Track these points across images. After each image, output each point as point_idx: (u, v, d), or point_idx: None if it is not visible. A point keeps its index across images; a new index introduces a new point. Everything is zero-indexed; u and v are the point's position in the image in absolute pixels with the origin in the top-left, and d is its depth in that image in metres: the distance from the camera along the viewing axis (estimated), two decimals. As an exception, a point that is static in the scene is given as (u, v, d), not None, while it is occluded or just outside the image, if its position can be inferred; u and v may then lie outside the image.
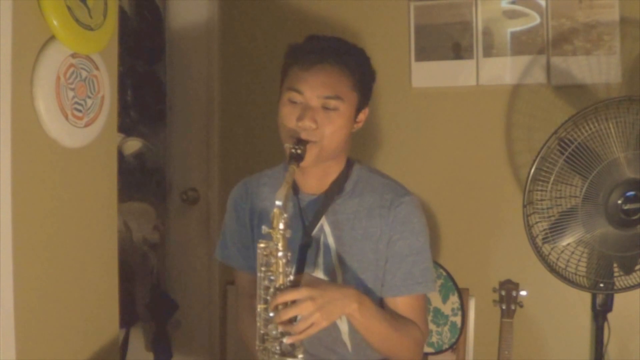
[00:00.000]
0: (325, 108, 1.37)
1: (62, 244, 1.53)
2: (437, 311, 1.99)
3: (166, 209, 2.60)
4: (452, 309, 2.00)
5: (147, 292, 2.54)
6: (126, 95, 2.50)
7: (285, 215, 1.26)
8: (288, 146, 1.35)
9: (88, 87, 1.56)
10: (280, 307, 1.25)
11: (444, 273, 2.00)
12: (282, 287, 1.27)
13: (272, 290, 1.28)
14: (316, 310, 1.24)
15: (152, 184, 2.62)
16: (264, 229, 1.26)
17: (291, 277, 1.28)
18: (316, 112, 1.36)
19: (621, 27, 2.06)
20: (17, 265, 1.37)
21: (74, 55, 1.50)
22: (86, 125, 1.56)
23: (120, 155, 2.46)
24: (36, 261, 1.45)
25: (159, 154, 2.63)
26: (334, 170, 1.48)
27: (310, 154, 1.36)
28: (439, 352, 2.00)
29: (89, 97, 1.56)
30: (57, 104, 1.45)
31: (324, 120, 1.37)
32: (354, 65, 1.40)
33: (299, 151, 1.33)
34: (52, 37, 1.44)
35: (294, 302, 1.24)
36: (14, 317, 1.36)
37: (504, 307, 2.02)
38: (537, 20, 2.15)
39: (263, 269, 1.29)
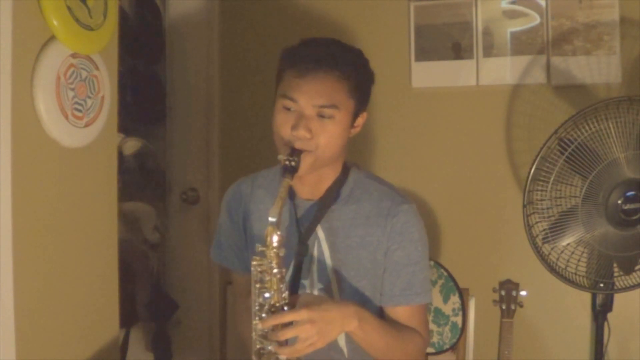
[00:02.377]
0: (321, 116, 1.33)
1: (62, 244, 1.53)
2: (438, 311, 1.99)
3: (166, 209, 2.60)
4: (453, 309, 1.99)
5: (147, 292, 2.54)
6: (126, 95, 2.50)
7: (279, 232, 1.24)
8: (282, 157, 1.31)
9: (88, 87, 1.56)
10: (278, 326, 1.24)
11: (445, 273, 2.00)
12: (277, 304, 1.26)
13: (267, 307, 1.26)
14: (315, 333, 1.22)
15: (152, 184, 2.61)
16: (258, 247, 1.25)
17: (286, 294, 1.27)
18: (311, 120, 1.33)
19: (621, 27, 2.06)
20: (17, 265, 1.37)
21: (74, 55, 1.50)
22: (86, 125, 1.56)
23: (120, 155, 2.46)
24: (36, 261, 1.45)
25: (159, 154, 2.63)
26: (329, 176, 1.44)
27: (305, 163, 1.33)
28: (439, 352, 2.00)
29: (89, 97, 1.56)
30: (57, 104, 1.45)
31: (318, 129, 1.33)
32: (351, 71, 1.35)
33: (292, 163, 1.29)
34: (52, 37, 1.44)
35: (291, 323, 1.23)
36: (14, 317, 1.36)
37: (504, 307, 2.02)
38: (537, 20, 2.15)
39: (258, 285, 1.27)
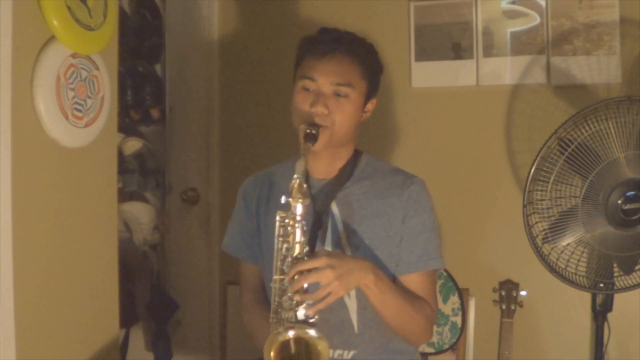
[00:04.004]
0: (337, 95, 1.44)
1: (62, 244, 1.53)
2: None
3: (166, 209, 2.60)
4: (453, 309, 2.00)
5: (147, 292, 2.54)
6: (126, 95, 2.50)
7: (305, 185, 1.30)
8: (303, 127, 1.40)
9: (88, 87, 1.56)
10: (297, 276, 1.27)
11: (445, 273, 2.00)
12: (299, 256, 1.30)
13: (289, 259, 1.30)
14: (335, 279, 1.27)
15: (152, 184, 2.62)
16: (283, 198, 1.30)
17: (307, 248, 1.31)
18: (328, 98, 1.43)
19: (621, 27, 2.06)
20: (17, 265, 1.37)
21: (74, 55, 1.50)
22: (86, 125, 1.56)
23: (120, 155, 2.46)
24: (36, 261, 1.45)
25: (159, 154, 2.63)
26: (342, 157, 1.53)
27: (322, 138, 1.41)
28: (439, 352, 2.00)
29: (89, 97, 1.56)
30: (57, 104, 1.45)
31: (335, 107, 1.43)
32: (364, 56, 1.48)
33: (313, 131, 1.39)
34: (52, 37, 1.44)
35: (311, 271, 1.27)
36: (14, 317, 1.36)
37: (504, 307, 2.02)
38: (537, 20, 2.15)
39: (280, 239, 1.32)
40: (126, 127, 2.53)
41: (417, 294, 1.47)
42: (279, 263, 1.33)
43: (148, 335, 2.61)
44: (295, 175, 1.29)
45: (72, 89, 1.50)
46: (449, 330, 1.99)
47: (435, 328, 1.99)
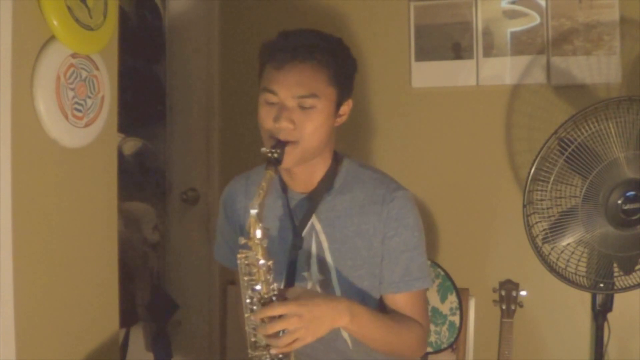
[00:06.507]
0: (302, 107, 1.33)
1: (62, 244, 1.53)
2: (435, 311, 2.00)
3: (166, 209, 2.60)
4: (451, 309, 2.00)
5: (147, 292, 2.54)
6: (126, 95, 2.50)
7: (260, 224, 1.24)
8: (265, 150, 1.31)
9: (88, 87, 1.56)
10: (266, 319, 1.23)
11: (442, 272, 2.00)
12: (266, 296, 1.26)
13: (256, 299, 1.27)
14: (302, 327, 1.21)
15: (152, 184, 2.62)
16: (241, 239, 1.25)
17: (274, 286, 1.26)
18: (293, 112, 1.32)
19: (621, 27, 2.06)
20: (17, 265, 1.37)
21: (74, 55, 1.50)
22: (86, 125, 1.56)
23: (120, 155, 2.46)
24: (36, 261, 1.45)
25: (159, 154, 2.63)
26: (320, 168, 1.44)
27: (292, 154, 1.33)
28: (437, 351, 2.00)
29: (89, 97, 1.56)
30: (57, 104, 1.45)
31: (301, 120, 1.33)
32: (329, 59, 1.35)
33: (275, 155, 1.29)
34: (52, 37, 1.44)
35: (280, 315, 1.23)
36: (14, 317, 1.37)
37: (504, 307, 2.02)
38: (537, 20, 2.15)
39: (246, 278, 1.27)
40: (126, 127, 2.53)
41: (404, 315, 1.42)
42: (247, 301, 1.28)
43: (148, 335, 2.61)
44: (251, 211, 1.22)
45: (72, 89, 1.50)
46: (447, 329, 1.99)
47: (433, 327, 1.99)
